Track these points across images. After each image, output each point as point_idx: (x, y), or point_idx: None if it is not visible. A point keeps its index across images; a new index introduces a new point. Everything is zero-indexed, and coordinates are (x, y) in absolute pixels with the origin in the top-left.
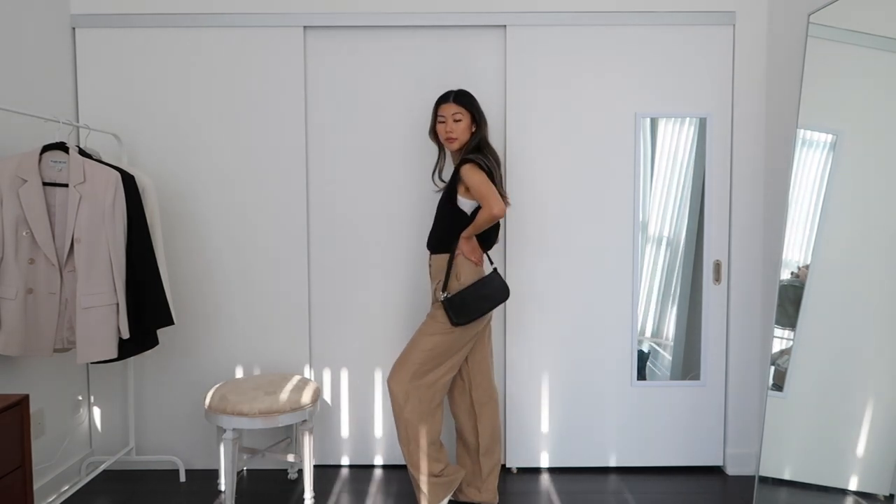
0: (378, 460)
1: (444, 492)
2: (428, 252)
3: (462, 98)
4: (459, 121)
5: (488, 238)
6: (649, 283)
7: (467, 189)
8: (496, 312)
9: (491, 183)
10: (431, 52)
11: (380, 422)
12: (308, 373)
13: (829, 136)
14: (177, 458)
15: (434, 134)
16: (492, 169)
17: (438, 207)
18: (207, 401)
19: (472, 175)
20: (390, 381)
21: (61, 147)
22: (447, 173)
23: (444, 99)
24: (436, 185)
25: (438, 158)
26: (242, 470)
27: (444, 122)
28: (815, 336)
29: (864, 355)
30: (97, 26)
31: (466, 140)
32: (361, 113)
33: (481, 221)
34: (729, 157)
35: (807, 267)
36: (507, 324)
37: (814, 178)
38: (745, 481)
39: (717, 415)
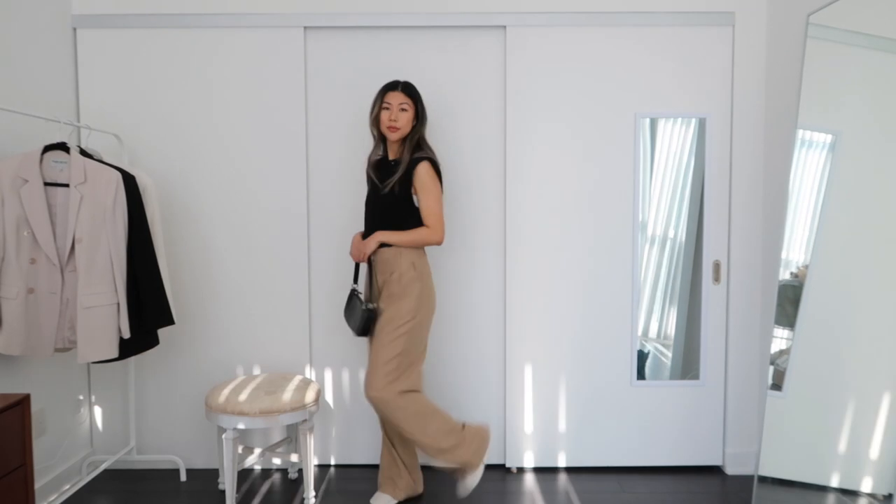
0: (377, 460)
1: (481, 442)
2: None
3: (410, 89)
4: (405, 111)
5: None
6: (649, 283)
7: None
8: (496, 309)
9: (441, 202)
10: (431, 53)
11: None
12: (309, 373)
13: (829, 137)
14: (177, 458)
15: (375, 122)
16: (440, 171)
17: (384, 199)
18: (208, 400)
19: (428, 182)
20: (368, 392)
21: (62, 147)
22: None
23: (391, 87)
24: (376, 180)
25: (374, 149)
26: (243, 469)
27: (388, 110)
28: (814, 336)
29: (864, 355)
30: (98, 27)
31: (408, 132)
32: (362, 113)
33: (417, 241)
34: (728, 157)
35: (806, 267)
36: (507, 323)
37: (813, 179)
38: (745, 481)
39: (716, 414)
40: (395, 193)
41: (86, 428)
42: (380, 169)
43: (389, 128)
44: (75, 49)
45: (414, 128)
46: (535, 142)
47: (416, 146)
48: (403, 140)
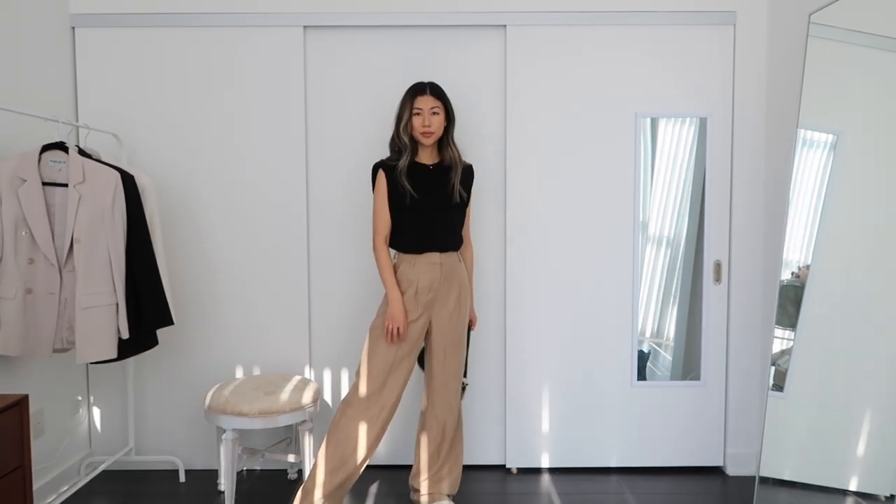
0: (377, 460)
1: None
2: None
3: (438, 91)
4: (437, 114)
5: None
6: (649, 284)
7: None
8: (496, 309)
9: None
10: (432, 52)
11: None
12: (308, 373)
13: (830, 136)
14: (176, 458)
15: (406, 129)
16: None
17: (456, 207)
18: (207, 401)
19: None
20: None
21: (61, 147)
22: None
23: (419, 91)
24: (458, 193)
25: (403, 156)
26: (242, 470)
27: (420, 115)
28: (815, 336)
29: (864, 355)
30: (97, 26)
31: (441, 135)
32: (361, 113)
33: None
34: (729, 157)
35: (807, 267)
36: (507, 324)
37: (814, 178)
38: (746, 481)
39: (717, 415)
40: (463, 199)
41: (84, 428)
42: (415, 176)
43: (423, 133)
44: (74, 48)
45: (446, 129)
46: (535, 142)
47: (453, 148)
48: (436, 143)
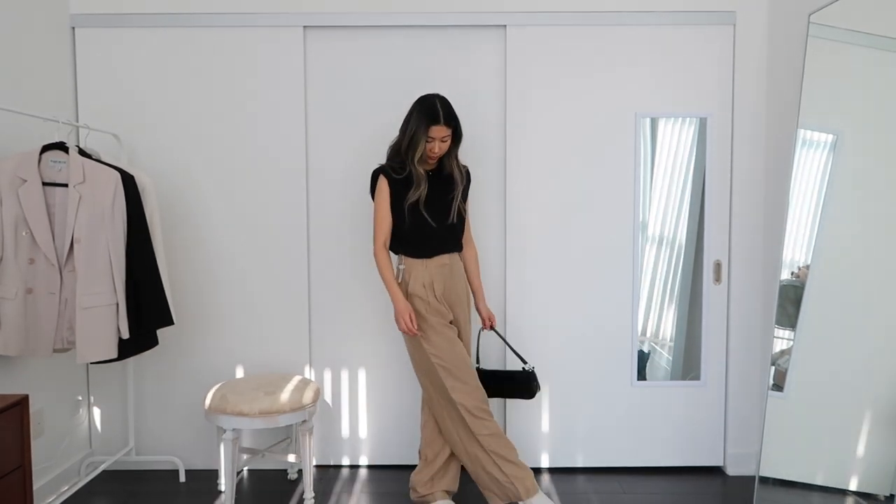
0: (377, 460)
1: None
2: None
3: (450, 116)
4: (446, 141)
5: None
6: (649, 284)
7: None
8: (496, 310)
9: None
10: (431, 52)
11: (379, 422)
12: (308, 373)
13: (830, 136)
14: (176, 458)
15: (421, 159)
16: None
17: (455, 208)
18: (207, 401)
19: None
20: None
21: (61, 147)
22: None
23: (434, 120)
24: (460, 210)
25: (420, 185)
26: (242, 470)
27: (431, 143)
28: (815, 336)
29: (864, 355)
30: (97, 26)
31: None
32: (361, 113)
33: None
34: (729, 157)
35: (807, 267)
36: (507, 324)
37: (814, 178)
38: (746, 481)
39: (717, 415)
40: (462, 214)
41: (84, 428)
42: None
43: (431, 157)
44: (74, 48)
45: (452, 145)
46: (535, 142)
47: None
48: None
